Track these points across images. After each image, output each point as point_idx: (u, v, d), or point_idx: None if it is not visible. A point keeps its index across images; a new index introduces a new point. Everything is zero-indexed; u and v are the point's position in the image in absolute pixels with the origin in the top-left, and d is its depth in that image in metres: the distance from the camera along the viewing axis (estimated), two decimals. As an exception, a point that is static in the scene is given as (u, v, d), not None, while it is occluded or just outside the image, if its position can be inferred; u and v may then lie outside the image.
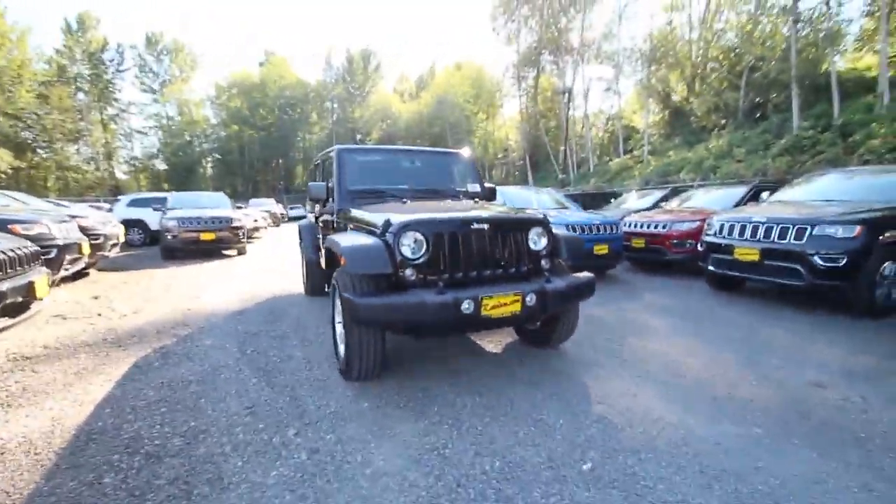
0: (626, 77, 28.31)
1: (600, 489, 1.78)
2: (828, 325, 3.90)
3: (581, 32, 28.09)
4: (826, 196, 4.93)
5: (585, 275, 2.95)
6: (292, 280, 6.43)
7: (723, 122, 20.40)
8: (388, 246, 2.51)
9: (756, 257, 4.43)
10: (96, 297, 5.41)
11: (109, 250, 7.08)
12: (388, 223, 2.60)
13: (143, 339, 3.90)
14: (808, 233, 4.08)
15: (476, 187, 4.19)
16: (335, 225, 3.69)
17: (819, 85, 15.51)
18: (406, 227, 2.54)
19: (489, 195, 4.18)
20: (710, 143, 18.50)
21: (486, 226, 2.66)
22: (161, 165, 44.19)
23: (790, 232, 4.19)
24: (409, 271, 2.49)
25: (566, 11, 29.28)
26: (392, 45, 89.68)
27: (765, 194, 6.12)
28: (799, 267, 4.09)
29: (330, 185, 3.95)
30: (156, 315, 4.77)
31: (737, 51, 20.94)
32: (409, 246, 2.51)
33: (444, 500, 1.72)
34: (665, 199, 8.78)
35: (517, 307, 2.51)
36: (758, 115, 18.77)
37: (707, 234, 5.14)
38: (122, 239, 7.95)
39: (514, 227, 2.78)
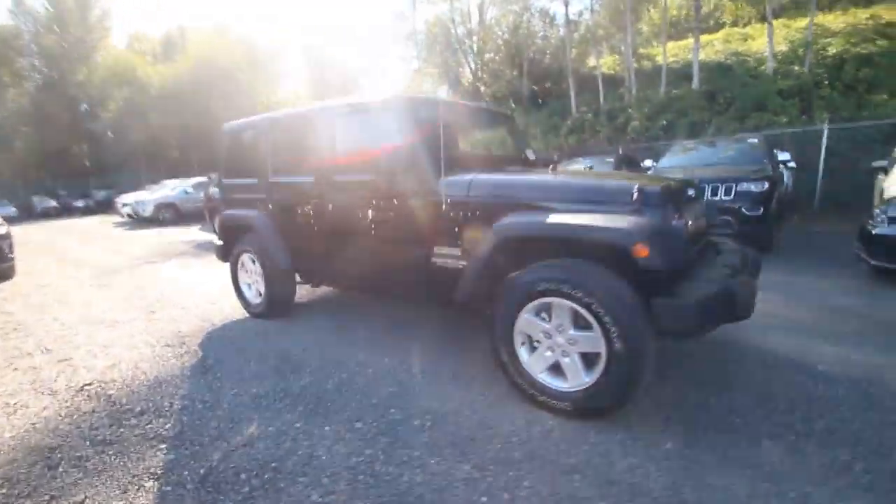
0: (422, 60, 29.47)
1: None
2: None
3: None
4: (706, 162, 6.18)
5: None
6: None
7: (513, 106, 23.50)
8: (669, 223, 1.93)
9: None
10: None
11: None
12: (668, 190, 2.02)
13: None
14: (734, 189, 5.04)
15: (532, 154, 3.61)
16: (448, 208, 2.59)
17: (586, 76, 19.38)
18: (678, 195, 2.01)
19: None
20: (505, 125, 21.06)
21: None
22: None
23: (720, 190, 5.10)
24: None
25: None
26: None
27: (648, 161, 7.29)
28: (730, 217, 5.03)
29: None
30: None
31: (513, 43, 24.17)
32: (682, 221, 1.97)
33: None
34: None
35: None
36: (540, 100, 22.28)
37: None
38: None
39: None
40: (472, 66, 27.44)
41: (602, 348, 1.98)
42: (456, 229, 2.53)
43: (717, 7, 19.92)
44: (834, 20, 16.52)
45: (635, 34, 18.65)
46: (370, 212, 2.90)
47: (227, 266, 4.15)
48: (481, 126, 3.54)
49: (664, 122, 15.50)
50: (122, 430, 2.24)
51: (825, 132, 10.85)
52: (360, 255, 3.06)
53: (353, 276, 3.22)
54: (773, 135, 10.84)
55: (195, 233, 11.29)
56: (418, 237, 2.70)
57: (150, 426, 2.25)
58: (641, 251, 1.79)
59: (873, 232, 4.17)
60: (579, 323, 2.07)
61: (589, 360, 2.08)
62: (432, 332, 3.33)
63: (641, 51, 20.40)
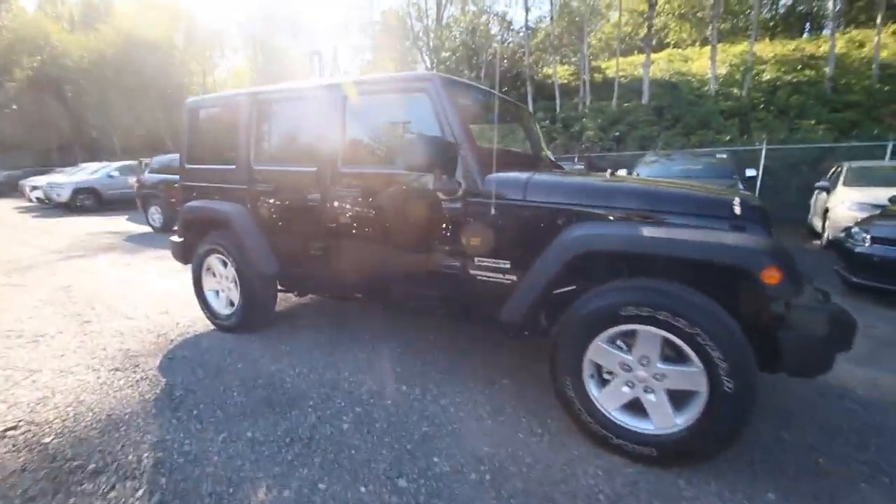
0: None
1: None
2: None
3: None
4: (680, 174, 6.27)
5: None
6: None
7: (469, 107, 23.37)
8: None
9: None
10: None
11: None
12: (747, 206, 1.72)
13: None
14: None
15: (550, 155, 3.29)
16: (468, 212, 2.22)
17: (543, 83, 19.65)
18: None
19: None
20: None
21: None
22: None
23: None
24: None
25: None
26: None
27: (622, 171, 7.30)
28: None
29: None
30: None
31: (471, 44, 24.07)
32: None
33: None
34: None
35: None
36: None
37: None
38: None
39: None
40: (429, 63, 27.04)
41: (702, 386, 1.69)
42: (506, 237, 2.15)
43: (664, 27, 21.01)
44: (764, 49, 17.98)
45: (588, 45, 19.19)
46: (391, 212, 2.44)
47: (181, 267, 3.47)
48: (502, 118, 3.18)
49: (617, 133, 16.05)
50: (71, 500, 1.63)
51: (763, 152, 11.63)
52: (375, 261, 2.59)
53: (362, 287, 2.72)
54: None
55: (123, 223, 9.94)
56: (453, 244, 2.29)
57: (112, 493, 1.66)
58: (772, 276, 1.52)
59: (854, 251, 4.32)
60: (665, 355, 1.78)
61: (676, 398, 1.80)
62: (446, 351, 2.92)
63: (593, 63, 21.07)
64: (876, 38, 13.55)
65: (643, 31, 19.64)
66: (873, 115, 12.19)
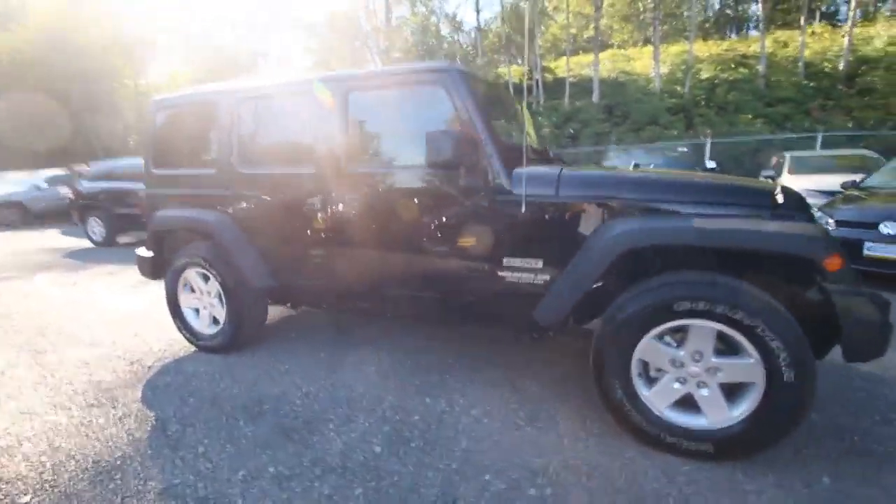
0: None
1: None
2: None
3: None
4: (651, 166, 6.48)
5: None
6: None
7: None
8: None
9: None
10: None
11: None
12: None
13: None
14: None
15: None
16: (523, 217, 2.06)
17: (496, 84, 19.89)
18: None
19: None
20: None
21: None
22: None
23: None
24: None
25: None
26: None
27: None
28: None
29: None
30: None
31: (422, 45, 23.97)
32: None
33: None
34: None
35: None
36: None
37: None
38: None
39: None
40: (380, 63, 26.64)
41: (759, 377, 1.67)
42: (538, 235, 2.04)
43: (609, 28, 21.87)
44: (700, 49, 19.13)
45: (539, 47, 19.65)
46: (406, 214, 2.27)
47: (138, 282, 3.10)
48: (507, 111, 3.07)
49: (571, 131, 16.51)
50: (70, 573, 1.34)
51: (708, 145, 12.33)
52: (386, 268, 2.40)
53: (370, 297, 2.52)
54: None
55: (58, 238, 9.00)
56: (479, 246, 2.15)
57: (123, 559, 1.39)
58: (835, 264, 1.51)
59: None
60: (719, 348, 1.75)
61: (728, 391, 1.76)
62: (457, 356, 2.78)
63: (544, 64, 21.58)
64: (800, 39, 14.75)
65: (587, 33, 20.36)
66: (803, 109, 13.26)
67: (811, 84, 13.91)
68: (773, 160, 8.84)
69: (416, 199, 2.27)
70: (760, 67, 15.03)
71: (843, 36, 15.50)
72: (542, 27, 21.47)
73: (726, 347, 1.74)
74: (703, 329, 1.72)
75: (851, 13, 14.51)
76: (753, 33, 22.55)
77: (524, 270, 2.09)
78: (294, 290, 2.76)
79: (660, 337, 1.81)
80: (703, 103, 15.39)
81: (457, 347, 2.92)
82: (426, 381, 2.52)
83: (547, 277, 2.05)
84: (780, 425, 1.68)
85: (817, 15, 15.72)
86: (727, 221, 1.72)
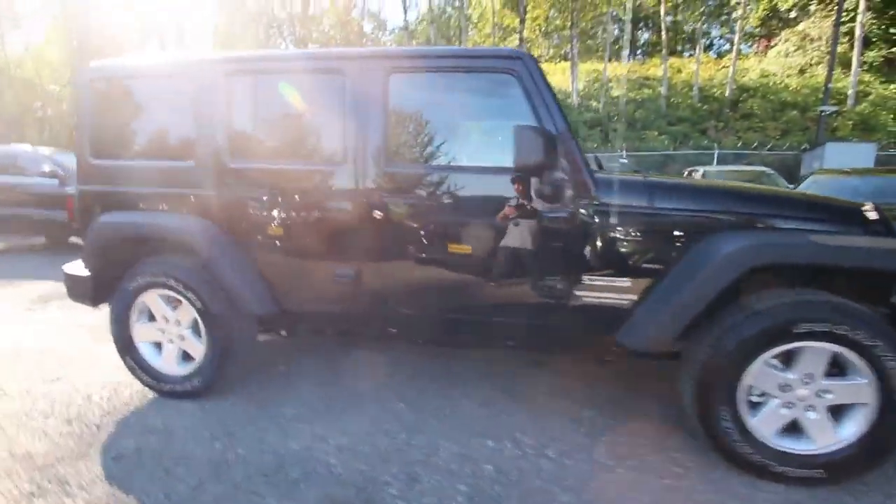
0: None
1: None
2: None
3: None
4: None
5: None
6: None
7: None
8: None
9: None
10: None
11: None
12: None
13: None
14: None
15: None
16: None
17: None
18: None
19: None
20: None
21: None
22: None
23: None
24: None
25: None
26: None
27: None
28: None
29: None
30: None
31: (341, 39, 23.04)
32: None
33: None
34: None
35: None
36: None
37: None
38: None
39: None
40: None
41: (870, 397, 1.63)
42: (626, 250, 1.84)
43: (529, 41, 22.88)
44: (609, 69, 20.83)
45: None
46: (468, 223, 1.94)
47: (28, 302, 2.39)
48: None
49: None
50: None
51: (624, 156, 13.38)
52: (435, 288, 2.04)
53: (412, 322, 2.11)
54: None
55: None
56: (555, 261, 1.89)
57: None
58: None
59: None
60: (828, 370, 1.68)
61: (835, 413, 1.71)
62: (490, 383, 2.48)
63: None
64: (695, 67, 16.70)
65: (510, 44, 21.10)
66: (699, 127, 15.00)
67: (704, 107, 15.81)
68: (686, 173, 9.78)
69: (476, 208, 1.95)
70: (662, 89, 16.73)
71: (723, 67, 17.88)
72: (466, 34, 21.80)
73: (835, 369, 1.69)
74: (818, 351, 1.64)
75: (736, 46, 16.81)
76: (639, 58, 25.04)
77: (607, 290, 1.87)
78: (304, 316, 2.25)
79: (767, 360, 1.71)
80: (615, 118, 16.70)
81: (482, 373, 2.63)
82: (472, 416, 2.18)
83: (634, 297, 1.85)
84: (890, 446, 1.65)
85: (702, 46, 18.00)
86: (844, 239, 1.67)
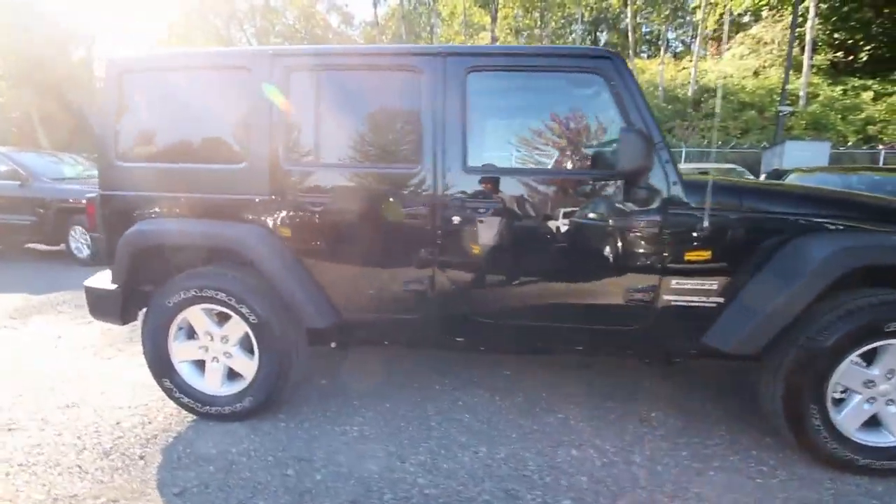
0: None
1: None
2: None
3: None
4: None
5: None
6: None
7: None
8: None
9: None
10: None
11: None
12: None
13: None
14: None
15: None
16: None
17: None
18: None
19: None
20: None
21: None
22: None
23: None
24: None
25: None
26: None
27: None
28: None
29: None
30: None
31: (307, 32, 22.36)
32: None
33: None
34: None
35: None
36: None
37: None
38: None
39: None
40: (254, 45, 24.06)
41: (954, 390, 1.70)
42: (717, 253, 1.83)
43: (499, 38, 23.00)
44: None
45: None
46: (554, 227, 1.89)
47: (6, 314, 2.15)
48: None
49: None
50: None
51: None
52: (519, 295, 1.98)
53: (493, 330, 2.03)
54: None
55: None
56: (645, 266, 1.87)
57: None
58: None
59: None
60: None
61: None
62: (549, 389, 2.44)
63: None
64: (660, 68, 17.32)
65: (482, 42, 21.14)
66: (665, 126, 15.56)
67: (669, 107, 16.44)
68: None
69: (560, 212, 1.89)
70: (629, 89, 17.27)
71: (683, 69, 18.65)
72: (437, 30, 21.63)
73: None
74: (902, 347, 1.70)
75: (697, 49, 17.57)
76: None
77: (696, 293, 1.87)
78: (369, 326, 2.12)
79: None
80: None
81: (525, 374, 2.59)
82: (544, 423, 2.14)
83: (721, 300, 1.86)
84: None
85: (663, 48, 18.81)
86: None
